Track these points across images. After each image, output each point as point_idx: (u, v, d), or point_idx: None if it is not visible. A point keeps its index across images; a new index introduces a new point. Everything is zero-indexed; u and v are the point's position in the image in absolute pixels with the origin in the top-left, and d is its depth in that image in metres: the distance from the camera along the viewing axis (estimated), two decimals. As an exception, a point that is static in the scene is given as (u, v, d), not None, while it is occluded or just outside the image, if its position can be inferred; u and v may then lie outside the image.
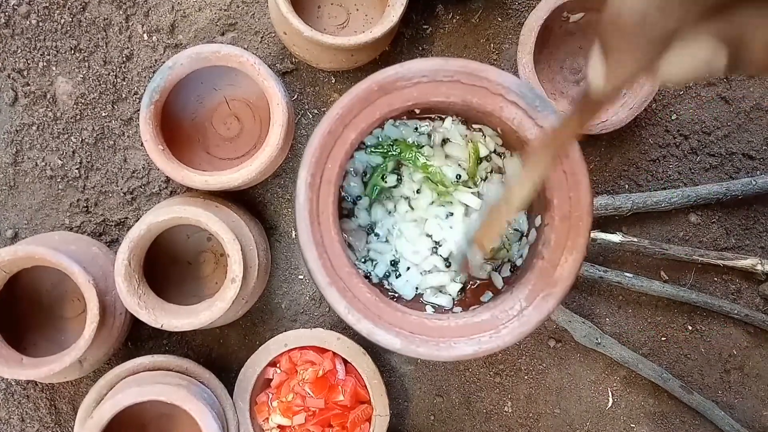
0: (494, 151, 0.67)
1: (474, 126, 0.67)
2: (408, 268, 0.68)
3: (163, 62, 0.85)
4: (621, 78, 0.33)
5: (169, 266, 0.90)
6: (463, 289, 0.67)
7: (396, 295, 0.67)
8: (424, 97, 0.56)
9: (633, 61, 0.30)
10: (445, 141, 0.68)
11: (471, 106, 0.56)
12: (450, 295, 0.67)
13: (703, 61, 0.31)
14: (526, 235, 0.65)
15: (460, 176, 0.67)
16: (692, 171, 0.96)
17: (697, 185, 0.95)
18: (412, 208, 0.69)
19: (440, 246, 0.69)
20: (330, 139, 0.55)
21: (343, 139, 0.55)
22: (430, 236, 0.69)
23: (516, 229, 0.68)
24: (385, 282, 0.68)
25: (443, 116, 0.66)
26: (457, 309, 0.66)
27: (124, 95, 0.92)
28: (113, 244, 0.92)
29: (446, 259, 0.68)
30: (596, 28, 0.33)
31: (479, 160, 0.67)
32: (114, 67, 0.92)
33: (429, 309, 0.65)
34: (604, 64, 0.33)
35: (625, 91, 0.48)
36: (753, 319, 0.93)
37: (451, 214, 0.68)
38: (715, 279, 0.96)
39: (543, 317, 0.55)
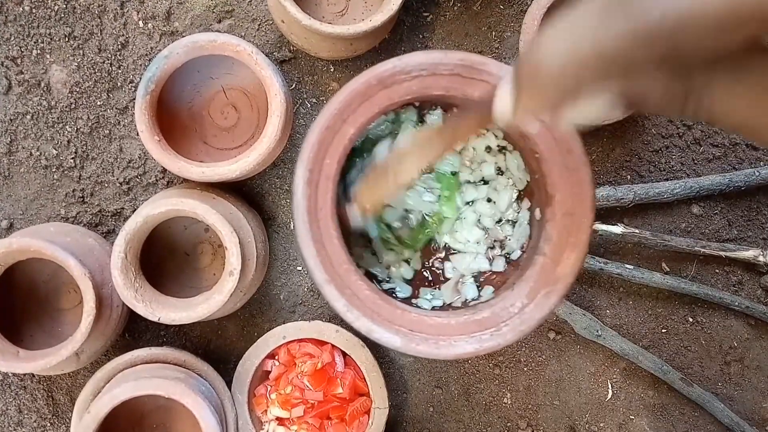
0: (497, 146, 0.66)
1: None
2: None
3: (159, 50, 0.84)
4: (526, 114, 0.36)
5: (166, 257, 0.89)
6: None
7: (394, 290, 0.66)
8: (424, 91, 0.54)
9: (541, 103, 0.34)
10: None
11: (472, 99, 0.55)
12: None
13: (603, 111, 0.36)
14: (530, 233, 0.64)
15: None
16: (695, 162, 0.95)
17: (700, 176, 0.94)
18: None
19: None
20: (328, 134, 0.54)
21: (341, 134, 0.54)
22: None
23: (509, 220, 0.67)
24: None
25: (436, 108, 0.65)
26: (457, 304, 0.65)
27: (119, 84, 0.91)
28: (109, 234, 0.91)
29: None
30: (517, 63, 0.37)
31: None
32: (109, 55, 0.90)
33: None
34: (515, 98, 0.36)
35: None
36: (754, 311, 0.92)
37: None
38: (717, 270, 0.95)
39: (545, 315, 0.55)
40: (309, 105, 0.94)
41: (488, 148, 0.66)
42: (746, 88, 0.32)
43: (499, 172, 0.67)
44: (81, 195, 0.91)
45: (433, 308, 0.63)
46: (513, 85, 0.36)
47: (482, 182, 0.67)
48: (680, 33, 0.26)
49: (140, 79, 0.80)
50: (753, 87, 0.32)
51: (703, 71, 0.32)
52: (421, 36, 0.95)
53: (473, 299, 0.64)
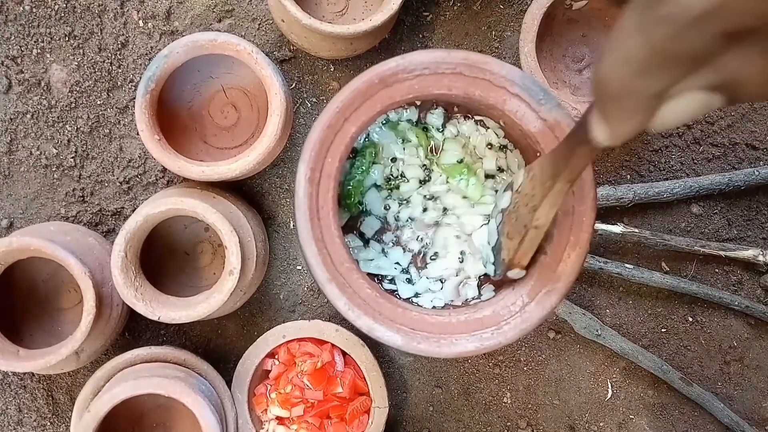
0: (498, 144, 0.66)
1: (476, 117, 0.66)
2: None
3: (159, 49, 0.84)
4: (625, 136, 0.34)
5: (166, 256, 0.89)
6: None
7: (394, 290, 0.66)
8: (426, 90, 0.54)
9: (630, 120, 0.32)
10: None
11: (473, 98, 0.55)
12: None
13: (698, 108, 0.33)
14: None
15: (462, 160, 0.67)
16: (695, 161, 0.95)
17: (700, 176, 0.94)
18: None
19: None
20: (330, 132, 0.54)
21: (343, 132, 0.54)
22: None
23: None
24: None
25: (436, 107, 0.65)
26: (457, 302, 0.65)
27: (119, 83, 0.91)
28: (109, 234, 0.91)
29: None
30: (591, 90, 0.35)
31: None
32: (109, 55, 0.90)
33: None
34: (606, 124, 0.34)
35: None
36: (753, 310, 0.92)
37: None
38: (716, 270, 0.95)
39: (546, 313, 0.55)
40: (309, 104, 0.94)
41: (489, 145, 0.67)
42: None
43: (500, 170, 0.67)
44: (81, 194, 0.91)
45: (434, 307, 0.63)
46: (598, 113, 0.35)
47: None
48: (727, 8, 0.25)
49: (140, 78, 0.80)
50: None
51: None
52: (421, 35, 0.95)
53: (473, 298, 0.64)
